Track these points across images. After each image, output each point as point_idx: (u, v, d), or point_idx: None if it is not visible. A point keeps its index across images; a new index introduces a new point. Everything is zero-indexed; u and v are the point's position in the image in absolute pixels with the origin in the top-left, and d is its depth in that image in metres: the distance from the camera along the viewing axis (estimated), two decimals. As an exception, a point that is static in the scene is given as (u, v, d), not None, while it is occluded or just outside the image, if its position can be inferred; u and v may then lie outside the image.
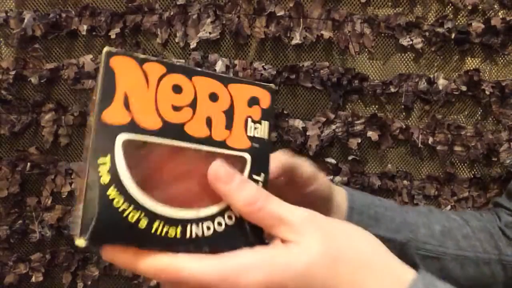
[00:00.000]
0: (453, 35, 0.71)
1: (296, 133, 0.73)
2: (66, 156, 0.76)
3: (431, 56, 0.73)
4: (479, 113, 0.75)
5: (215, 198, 0.30)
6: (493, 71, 0.74)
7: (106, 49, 0.28)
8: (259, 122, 0.32)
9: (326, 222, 0.30)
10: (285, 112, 0.73)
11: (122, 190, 0.27)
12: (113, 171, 0.27)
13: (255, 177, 0.31)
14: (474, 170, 0.76)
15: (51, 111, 0.73)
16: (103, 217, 0.26)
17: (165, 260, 0.27)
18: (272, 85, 0.33)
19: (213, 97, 0.30)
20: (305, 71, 0.72)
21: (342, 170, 0.75)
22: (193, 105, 0.29)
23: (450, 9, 0.71)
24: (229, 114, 0.31)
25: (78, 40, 0.72)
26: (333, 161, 0.75)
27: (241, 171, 0.31)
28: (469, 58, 0.73)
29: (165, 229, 0.28)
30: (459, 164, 0.76)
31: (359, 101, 0.75)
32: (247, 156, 0.31)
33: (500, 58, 0.73)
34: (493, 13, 0.71)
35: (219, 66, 0.70)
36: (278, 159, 0.38)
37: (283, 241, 0.28)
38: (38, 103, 0.72)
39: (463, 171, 0.77)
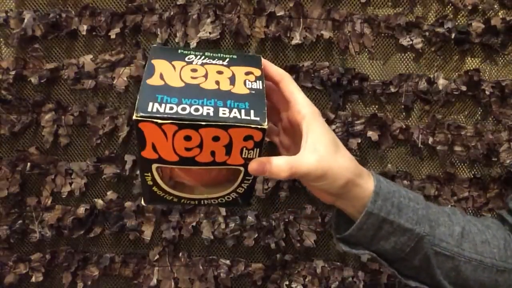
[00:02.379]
0: (453, 35, 0.71)
1: (296, 133, 0.73)
2: (66, 156, 0.76)
3: (431, 56, 0.73)
4: (479, 113, 0.75)
5: (219, 191, 0.46)
6: (493, 71, 0.74)
7: (134, 117, 0.37)
8: (252, 149, 0.41)
9: None
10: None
11: (160, 188, 0.45)
12: (153, 180, 0.44)
13: (246, 180, 0.44)
14: (474, 170, 0.76)
15: (51, 111, 0.73)
16: (152, 199, 0.47)
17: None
18: (265, 125, 0.39)
19: (216, 138, 0.39)
20: (305, 71, 0.72)
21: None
22: (200, 146, 0.40)
23: (450, 9, 0.71)
24: (229, 147, 0.40)
25: (78, 40, 0.72)
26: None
27: (237, 177, 0.44)
28: (469, 58, 0.73)
29: (188, 202, 0.48)
30: (459, 164, 0.76)
31: (359, 101, 0.75)
32: (242, 168, 0.43)
33: (500, 58, 0.73)
34: (493, 13, 0.71)
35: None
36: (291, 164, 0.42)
37: None
38: (38, 103, 0.73)
39: (463, 171, 0.77)
